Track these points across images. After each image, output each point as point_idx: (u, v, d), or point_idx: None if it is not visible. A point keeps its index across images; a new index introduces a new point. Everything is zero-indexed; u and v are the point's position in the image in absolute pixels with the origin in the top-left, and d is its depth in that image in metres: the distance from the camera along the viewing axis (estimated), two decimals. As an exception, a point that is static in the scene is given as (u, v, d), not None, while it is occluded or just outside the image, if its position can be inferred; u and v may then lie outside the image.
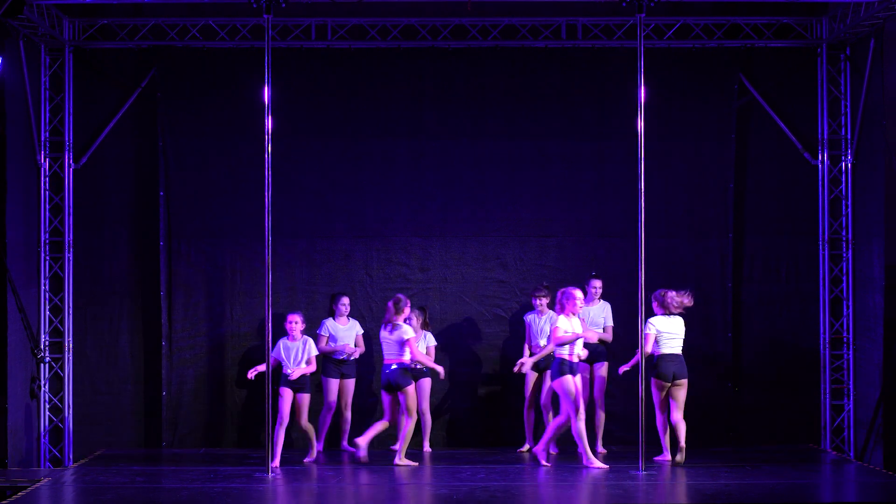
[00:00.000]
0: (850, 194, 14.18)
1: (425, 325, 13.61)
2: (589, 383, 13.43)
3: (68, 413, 14.11)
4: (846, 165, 14.22)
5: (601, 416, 13.52)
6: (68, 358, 14.12)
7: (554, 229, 14.26)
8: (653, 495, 11.13)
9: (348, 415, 13.67)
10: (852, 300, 14.11)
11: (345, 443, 13.70)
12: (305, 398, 12.96)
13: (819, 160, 14.27)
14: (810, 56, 14.25)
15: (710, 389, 14.13)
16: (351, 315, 13.93)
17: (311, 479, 12.01)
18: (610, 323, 13.54)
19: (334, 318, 13.62)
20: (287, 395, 12.89)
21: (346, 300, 13.62)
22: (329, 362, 13.59)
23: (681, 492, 11.20)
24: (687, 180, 14.19)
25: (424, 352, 13.38)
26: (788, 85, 14.31)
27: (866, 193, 13.84)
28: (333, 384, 13.57)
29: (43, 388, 13.93)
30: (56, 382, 14.13)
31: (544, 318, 13.51)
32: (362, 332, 13.70)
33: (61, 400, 14.11)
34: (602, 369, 13.45)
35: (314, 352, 13.08)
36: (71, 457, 14.06)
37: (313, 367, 13.10)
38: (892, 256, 13.54)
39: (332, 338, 13.56)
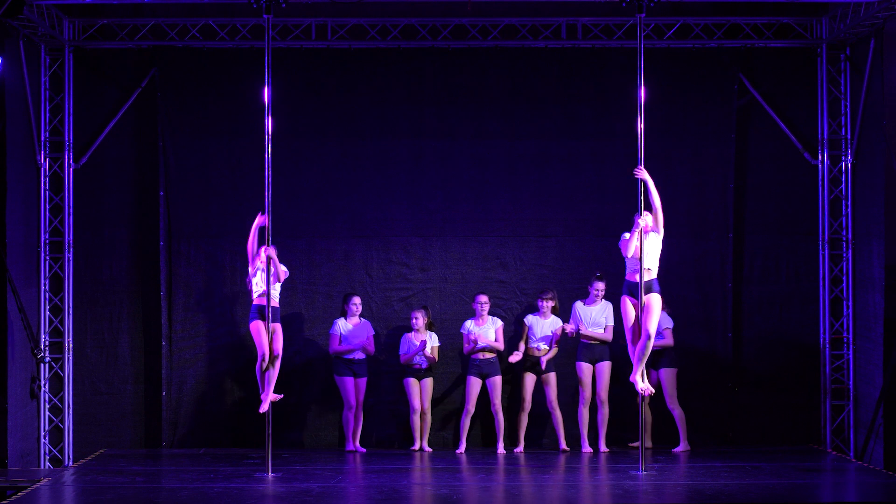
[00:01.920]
0: (850, 194, 14.18)
1: (430, 326, 13.74)
2: (591, 383, 13.56)
3: (68, 413, 14.11)
4: (846, 165, 14.22)
5: (605, 414, 13.53)
6: (68, 358, 14.12)
7: (554, 229, 14.26)
8: (653, 495, 11.13)
9: (360, 414, 13.68)
10: (852, 300, 14.11)
11: (356, 443, 13.69)
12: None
13: (819, 160, 14.27)
14: (810, 56, 14.25)
15: (710, 389, 14.13)
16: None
17: (312, 480, 12.01)
18: (611, 323, 13.57)
19: (346, 318, 13.65)
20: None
21: (357, 300, 13.68)
22: (340, 362, 13.61)
23: (681, 492, 11.20)
24: (687, 180, 14.18)
25: (430, 352, 13.65)
26: (788, 85, 14.31)
27: (866, 193, 13.84)
28: (349, 382, 13.58)
29: (43, 388, 13.93)
30: (56, 382, 14.13)
31: (548, 321, 13.57)
32: (373, 333, 13.72)
33: (61, 400, 14.11)
34: (605, 368, 13.49)
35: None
36: (71, 457, 14.07)
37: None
38: (892, 256, 13.53)
39: (343, 338, 13.59)
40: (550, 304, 13.60)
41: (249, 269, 12.37)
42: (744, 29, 14.15)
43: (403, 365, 13.72)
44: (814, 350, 14.23)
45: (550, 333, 13.59)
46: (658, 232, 11.96)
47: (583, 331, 13.60)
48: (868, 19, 13.23)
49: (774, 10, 13.99)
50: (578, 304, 13.67)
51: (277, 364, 12.29)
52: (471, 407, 13.62)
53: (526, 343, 13.66)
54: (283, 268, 12.39)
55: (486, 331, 13.62)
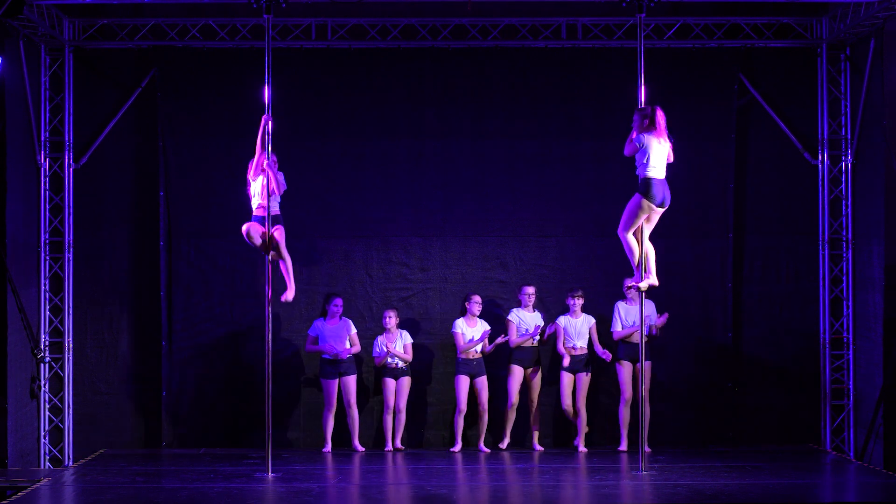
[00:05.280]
0: (850, 194, 14.18)
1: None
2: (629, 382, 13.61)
3: (68, 413, 14.11)
4: (846, 165, 14.22)
5: (647, 413, 13.41)
6: (68, 358, 14.12)
7: (554, 229, 14.26)
8: (653, 495, 11.13)
9: (354, 413, 13.68)
10: (852, 300, 14.11)
11: (355, 442, 13.70)
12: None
13: (819, 160, 14.27)
14: (810, 56, 14.25)
15: (710, 389, 14.14)
16: (350, 315, 13.92)
17: (312, 480, 12.01)
18: (654, 322, 13.49)
19: (325, 319, 13.64)
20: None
21: (338, 301, 13.66)
22: (326, 364, 13.61)
23: (681, 492, 11.20)
24: (687, 180, 14.15)
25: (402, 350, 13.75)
26: (788, 85, 14.31)
27: (866, 193, 13.85)
28: (332, 385, 13.58)
29: (43, 388, 13.93)
30: (56, 382, 14.13)
31: (580, 319, 13.57)
32: (355, 330, 13.72)
33: (61, 400, 14.11)
34: (647, 367, 13.36)
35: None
36: (71, 457, 14.07)
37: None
38: (892, 256, 13.54)
39: (321, 337, 13.58)
40: (580, 301, 13.60)
41: (249, 175, 12.29)
42: (744, 29, 14.14)
43: (378, 366, 13.77)
44: (814, 350, 14.23)
45: (587, 331, 13.61)
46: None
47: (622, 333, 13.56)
48: (868, 19, 13.23)
49: (774, 10, 13.99)
50: (620, 304, 13.63)
51: (286, 256, 12.25)
52: (463, 406, 13.65)
53: (564, 345, 13.67)
54: (280, 177, 12.34)
55: (476, 332, 13.62)
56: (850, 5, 13.34)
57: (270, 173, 12.15)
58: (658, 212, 11.77)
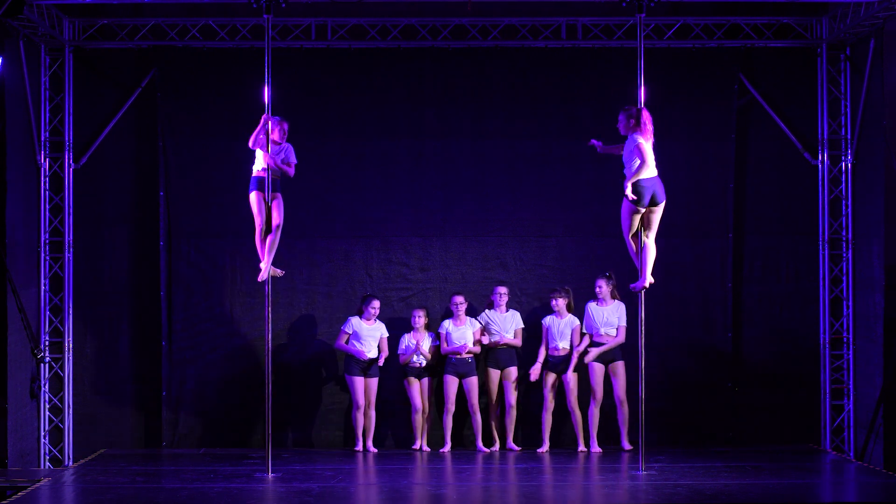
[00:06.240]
0: (850, 194, 14.18)
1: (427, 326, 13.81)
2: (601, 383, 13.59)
3: (68, 413, 14.11)
4: (846, 165, 14.22)
5: (625, 413, 13.48)
6: (68, 358, 14.12)
7: (554, 229, 14.26)
8: (653, 495, 11.14)
9: (372, 414, 13.68)
10: (852, 300, 14.11)
11: (369, 443, 13.70)
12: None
13: (819, 160, 14.28)
14: (810, 56, 14.25)
15: (710, 389, 14.14)
16: (350, 314, 13.92)
17: (312, 480, 12.01)
18: (623, 323, 13.49)
19: (360, 318, 13.66)
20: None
21: (376, 304, 13.70)
22: (351, 361, 13.61)
23: (681, 492, 11.20)
24: (687, 180, 14.17)
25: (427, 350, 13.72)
26: (788, 85, 14.31)
27: (866, 193, 13.85)
28: (358, 382, 13.59)
29: (43, 388, 13.93)
30: (56, 382, 14.13)
31: (564, 320, 13.57)
32: (387, 335, 13.72)
33: (61, 400, 14.11)
34: (619, 368, 13.43)
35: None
36: (71, 457, 14.07)
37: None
38: (892, 256, 13.54)
39: (354, 335, 13.59)
40: (563, 301, 13.61)
41: (250, 143, 12.29)
42: (744, 29, 14.15)
43: (402, 365, 13.75)
44: (814, 350, 14.23)
45: (570, 333, 13.60)
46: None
47: (595, 335, 13.56)
48: (868, 19, 13.23)
49: (774, 10, 13.99)
50: (591, 305, 13.64)
51: (278, 233, 12.21)
52: (451, 406, 13.67)
53: (546, 346, 13.68)
54: (290, 153, 12.33)
55: (464, 332, 13.63)
56: (850, 5, 13.34)
57: (277, 165, 12.21)
58: (654, 210, 11.79)
